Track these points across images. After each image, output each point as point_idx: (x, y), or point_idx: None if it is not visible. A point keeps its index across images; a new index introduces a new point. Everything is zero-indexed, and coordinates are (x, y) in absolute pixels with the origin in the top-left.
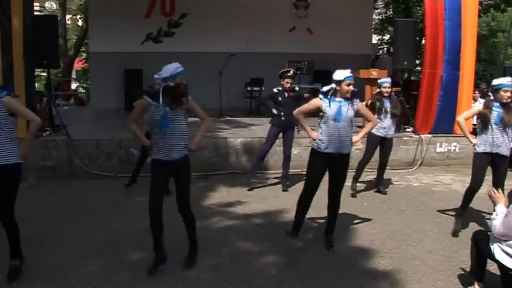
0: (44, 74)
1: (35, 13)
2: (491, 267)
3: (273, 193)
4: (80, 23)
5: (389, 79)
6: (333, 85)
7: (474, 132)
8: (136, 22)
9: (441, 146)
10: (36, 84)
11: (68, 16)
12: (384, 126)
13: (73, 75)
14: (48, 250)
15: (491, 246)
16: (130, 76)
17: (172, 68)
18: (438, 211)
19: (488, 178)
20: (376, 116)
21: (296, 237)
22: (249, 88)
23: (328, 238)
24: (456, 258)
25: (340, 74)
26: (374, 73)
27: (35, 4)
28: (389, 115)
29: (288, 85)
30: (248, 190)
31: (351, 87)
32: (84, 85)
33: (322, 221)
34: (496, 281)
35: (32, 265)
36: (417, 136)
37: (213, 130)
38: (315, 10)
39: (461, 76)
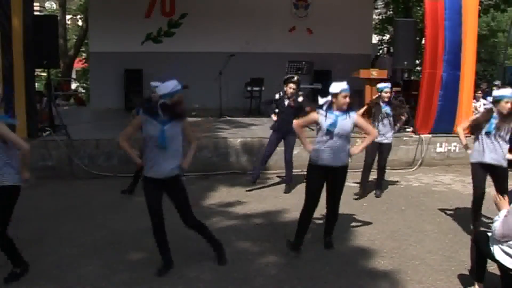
0: (44, 74)
1: (35, 13)
2: (491, 267)
3: (273, 193)
4: (80, 23)
5: (389, 84)
6: (329, 98)
7: None
8: (136, 22)
9: (441, 146)
10: (36, 84)
11: (68, 16)
12: (381, 132)
13: (73, 75)
14: (48, 250)
15: (491, 247)
16: (130, 76)
17: (170, 86)
18: (439, 209)
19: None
20: (372, 122)
21: (296, 252)
22: (249, 88)
23: (327, 239)
24: (456, 258)
25: (336, 87)
26: (374, 73)
27: (35, 4)
28: (386, 121)
29: (291, 90)
30: (248, 190)
31: (347, 99)
32: (84, 85)
33: (322, 221)
34: (496, 281)
35: (32, 265)
36: (417, 136)
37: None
38: (315, 10)
39: (462, 76)
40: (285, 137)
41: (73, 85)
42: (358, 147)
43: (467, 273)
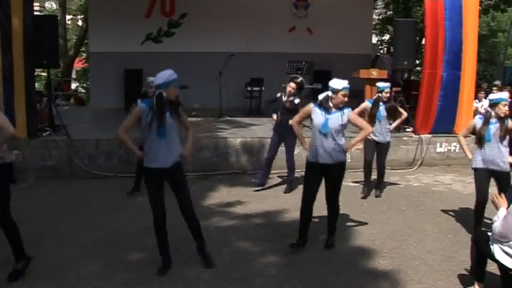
0: (44, 74)
1: (35, 13)
2: (491, 267)
3: (273, 193)
4: (80, 23)
5: (389, 85)
6: (329, 93)
7: None
8: (136, 22)
9: (441, 146)
10: (36, 84)
11: (68, 16)
12: (378, 131)
13: (73, 75)
14: (48, 250)
15: (491, 246)
16: (130, 76)
17: (165, 75)
18: (439, 209)
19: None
20: (369, 121)
21: (300, 248)
22: (249, 88)
23: (329, 240)
24: (456, 258)
25: (338, 83)
26: (374, 73)
27: (35, 4)
28: (383, 120)
29: (290, 89)
30: (255, 191)
31: (346, 98)
32: (84, 85)
33: (322, 221)
34: (496, 281)
35: (32, 265)
36: (417, 136)
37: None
38: (315, 10)
39: (462, 76)
40: (284, 138)
41: (73, 85)
42: (351, 142)
43: (467, 273)
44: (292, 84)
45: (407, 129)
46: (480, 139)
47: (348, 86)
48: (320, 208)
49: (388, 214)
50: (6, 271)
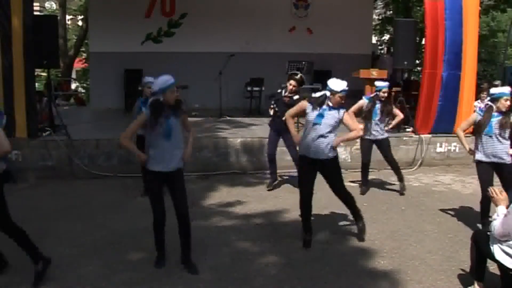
0: (44, 74)
1: (35, 13)
2: (491, 267)
3: (273, 193)
4: (80, 23)
5: (387, 84)
6: (327, 93)
7: None
8: (136, 22)
9: (441, 146)
10: (36, 84)
11: (68, 16)
12: (374, 129)
13: (73, 75)
14: (48, 250)
15: (491, 246)
16: (130, 76)
17: (161, 81)
18: (439, 209)
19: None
20: (365, 120)
21: (310, 240)
22: (249, 88)
23: (359, 226)
24: (456, 258)
25: (337, 85)
26: (374, 73)
27: (35, 4)
28: (378, 118)
29: (291, 87)
30: (269, 190)
31: (343, 100)
32: (84, 85)
33: (322, 221)
34: (496, 281)
35: (32, 265)
36: (417, 136)
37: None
38: (315, 10)
39: (463, 76)
40: (282, 134)
41: (73, 85)
42: (338, 138)
43: (467, 273)
44: (292, 82)
45: (407, 129)
46: (480, 130)
47: (346, 88)
48: (320, 208)
49: (388, 214)
50: (6, 273)
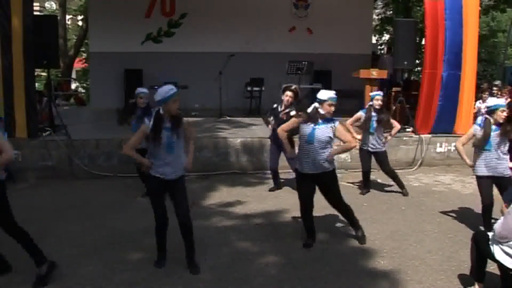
0: (44, 74)
1: (35, 13)
2: (491, 267)
3: (273, 193)
4: (80, 23)
5: (381, 93)
6: (316, 104)
7: None
8: (136, 22)
9: (441, 146)
10: (36, 84)
11: (68, 16)
12: (372, 141)
13: (73, 75)
14: (48, 250)
15: (491, 246)
16: (130, 76)
17: (162, 92)
18: (437, 208)
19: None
20: (363, 132)
21: (312, 244)
22: (249, 88)
23: (359, 235)
24: (456, 258)
25: (324, 94)
26: (374, 73)
27: (35, 4)
28: (377, 129)
29: (287, 98)
30: (269, 190)
31: (332, 108)
32: (84, 85)
33: (322, 221)
34: (496, 281)
35: (32, 265)
36: (417, 136)
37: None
38: (315, 10)
39: (463, 76)
40: (282, 148)
41: (73, 85)
42: (332, 151)
43: (467, 273)
44: (289, 93)
45: (407, 129)
46: (480, 145)
47: (334, 97)
48: (320, 208)
49: (388, 214)
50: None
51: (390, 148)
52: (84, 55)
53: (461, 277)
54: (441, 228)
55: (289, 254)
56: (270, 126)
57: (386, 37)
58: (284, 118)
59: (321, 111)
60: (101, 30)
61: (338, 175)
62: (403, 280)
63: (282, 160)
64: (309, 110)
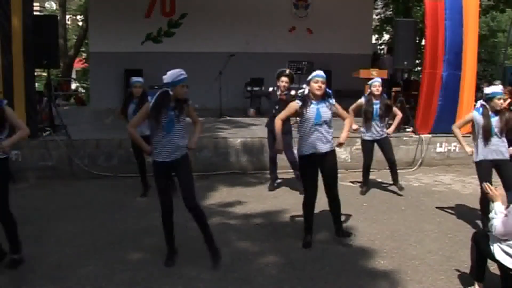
0: (44, 74)
1: (35, 13)
2: (491, 267)
3: (273, 193)
4: (80, 23)
5: (379, 79)
6: (305, 85)
7: None
8: (136, 22)
9: (441, 146)
10: (36, 84)
11: (68, 16)
12: (376, 128)
13: (73, 75)
14: (48, 250)
15: (491, 246)
16: (130, 76)
17: (174, 74)
18: (439, 209)
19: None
20: (365, 121)
21: (311, 242)
22: (249, 88)
23: (340, 231)
24: (456, 258)
25: (311, 74)
26: (374, 73)
27: (35, 4)
28: (375, 118)
29: (283, 83)
30: (270, 190)
31: (317, 84)
32: (84, 85)
33: (322, 221)
34: (496, 281)
35: (32, 265)
36: (417, 136)
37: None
38: (315, 10)
39: (463, 76)
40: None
41: (73, 85)
42: (343, 135)
43: (467, 273)
44: (284, 78)
45: (407, 129)
46: (487, 134)
47: (319, 74)
48: (320, 208)
49: (388, 214)
50: (5, 273)
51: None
52: (84, 55)
53: (461, 277)
54: (441, 228)
55: (289, 254)
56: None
57: (386, 37)
58: (284, 98)
59: (311, 94)
60: (101, 30)
61: (338, 175)
62: (403, 280)
63: (283, 161)
64: (300, 92)
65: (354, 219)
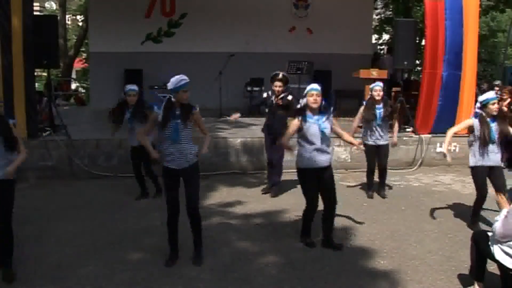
0: (44, 74)
1: (35, 13)
2: (491, 267)
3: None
4: (80, 23)
5: (380, 83)
6: (301, 100)
7: None
8: (136, 22)
9: (441, 146)
10: (36, 84)
11: (68, 16)
12: (377, 134)
13: (73, 75)
14: (48, 250)
15: (491, 246)
16: (130, 76)
17: (175, 81)
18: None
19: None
20: (366, 125)
21: (313, 245)
22: (249, 88)
23: (334, 243)
24: (456, 258)
25: (307, 87)
26: (374, 73)
27: (35, 4)
28: (381, 122)
29: (277, 88)
30: (263, 193)
31: (313, 97)
32: (84, 85)
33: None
34: (496, 281)
35: (32, 265)
36: (417, 136)
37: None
38: (315, 10)
39: (463, 76)
40: (275, 139)
41: (73, 85)
42: (348, 137)
43: (467, 273)
44: (277, 83)
45: (407, 129)
46: (485, 140)
47: (313, 87)
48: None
49: (388, 214)
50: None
51: (390, 148)
52: (84, 55)
53: (461, 277)
54: (441, 228)
55: (289, 254)
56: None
57: (386, 37)
58: (280, 103)
59: (308, 105)
60: (101, 30)
61: (338, 175)
62: (403, 280)
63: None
64: (299, 105)
65: (354, 219)
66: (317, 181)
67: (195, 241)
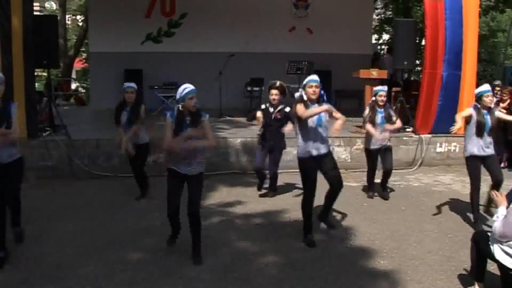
0: (44, 74)
1: (35, 13)
2: (491, 267)
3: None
4: (80, 23)
5: (384, 88)
6: (300, 90)
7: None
8: (136, 22)
9: (441, 146)
10: (36, 84)
11: (68, 16)
12: (377, 137)
13: (73, 75)
14: (48, 250)
15: (491, 246)
16: (130, 76)
17: (180, 91)
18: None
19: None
20: (367, 132)
21: (313, 245)
22: (249, 88)
23: (329, 220)
24: (456, 258)
25: (306, 79)
26: (374, 73)
27: (35, 4)
28: (380, 128)
29: (273, 96)
30: (261, 196)
31: (312, 89)
32: (84, 85)
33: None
34: (496, 281)
35: (32, 265)
36: (417, 136)
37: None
38: (315, 10)
39: (463, 76)
40: (271, 151)
41: (73, 85)
42: (338, 124)
43: (467, 273)
44: (274, 91)
45: (407, 129)
46: (481, 129)
47: (313, 79)
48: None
49: (388, 214)
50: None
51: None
52: (84, 55)
53: (461, 277)
54: (441, 228)
55: (289, 254)
56: (258, 121)
57: (386, 37)
58: (279, 117)
59: (304, 97)
60: (101, 30)
61: None
62: (403, 280)
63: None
64: (297, 95)
65: (354, 219)
66: (317, 170)
67: (194, 241)
